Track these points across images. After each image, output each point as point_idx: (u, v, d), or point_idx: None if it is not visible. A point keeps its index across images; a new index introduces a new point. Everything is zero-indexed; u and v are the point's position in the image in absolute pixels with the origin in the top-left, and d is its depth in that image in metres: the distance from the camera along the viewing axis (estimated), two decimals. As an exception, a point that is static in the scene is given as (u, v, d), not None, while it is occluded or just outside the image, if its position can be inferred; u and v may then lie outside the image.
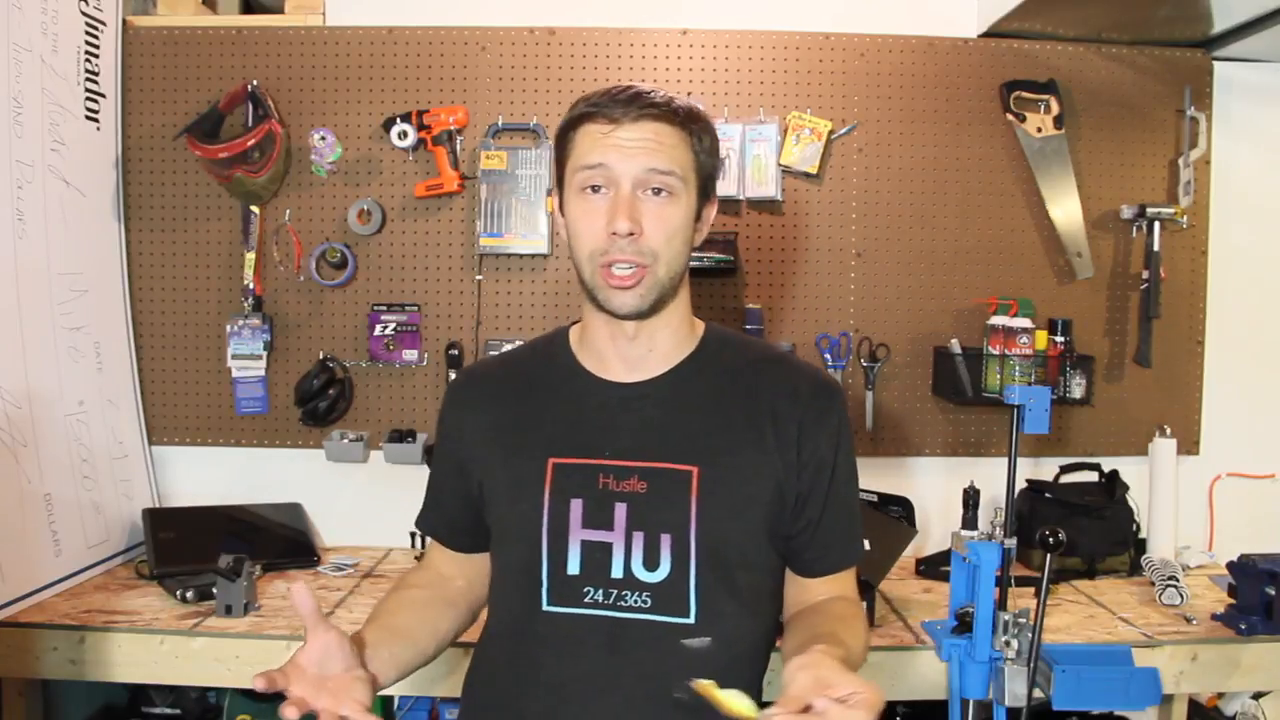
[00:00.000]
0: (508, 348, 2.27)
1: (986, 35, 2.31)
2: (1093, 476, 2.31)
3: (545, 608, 1.11)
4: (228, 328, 2.32)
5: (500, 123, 2.30)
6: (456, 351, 2.31)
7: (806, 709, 0.87)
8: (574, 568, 1.10)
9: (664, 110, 1.09)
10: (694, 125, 1.12)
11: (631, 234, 1.06)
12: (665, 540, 1.10)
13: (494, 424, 1.20)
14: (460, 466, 1.23)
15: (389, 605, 1.22)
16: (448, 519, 1.29)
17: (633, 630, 1.09)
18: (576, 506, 1.11)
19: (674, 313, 1.17)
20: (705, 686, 0.95)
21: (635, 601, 1.09)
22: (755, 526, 1.14)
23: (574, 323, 1.26)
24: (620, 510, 1.11)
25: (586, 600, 1.10)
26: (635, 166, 1.07)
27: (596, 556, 1.10)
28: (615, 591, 1.09)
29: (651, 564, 1.10)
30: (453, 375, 2.30)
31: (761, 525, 1.14)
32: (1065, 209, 2.31)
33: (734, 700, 0.94)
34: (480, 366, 1.35)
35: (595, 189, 1.09)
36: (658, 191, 1.09)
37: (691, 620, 1.09)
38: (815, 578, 1.20)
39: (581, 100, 1.13)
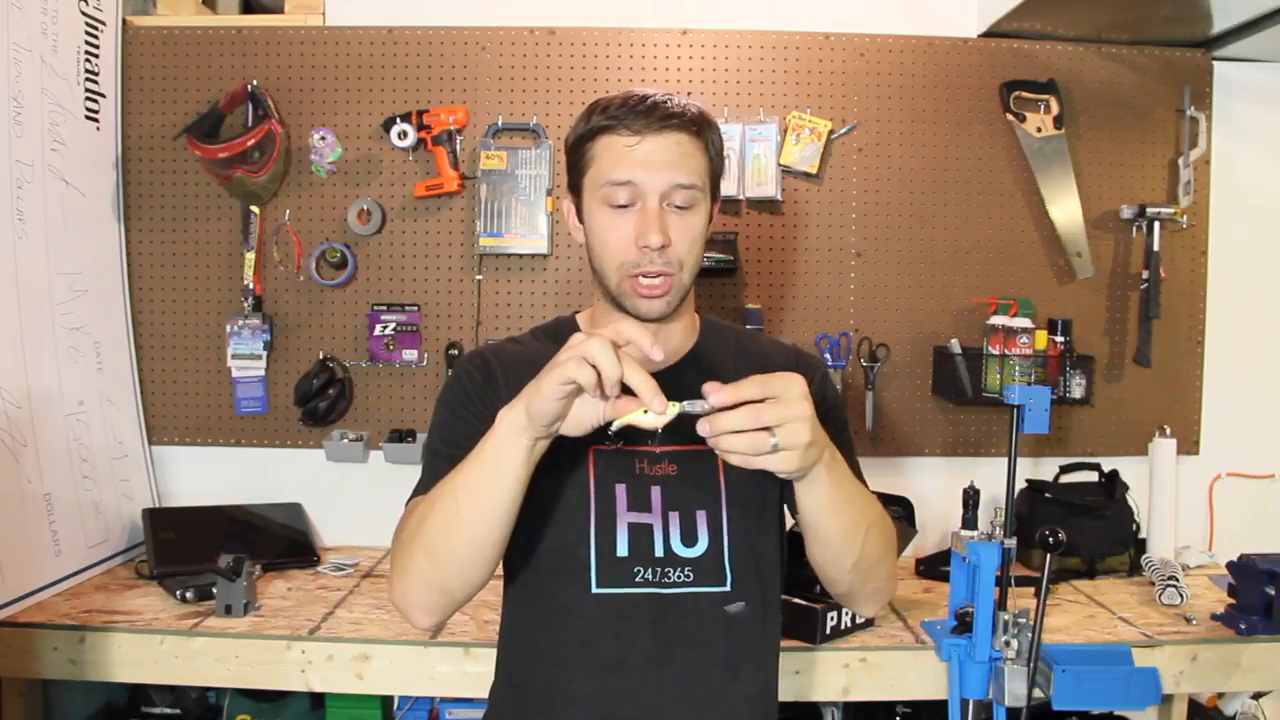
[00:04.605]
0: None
1: (986, 35, 2.31)
2: (1093, 476, 2.30)
3: (594, 590, 1.14)
4: (228, 328, 2.32)
5: (500, 122, 2.30)
6: (456, 351, 2.31)
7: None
8: (623, 549, 1.15)
9: (683, 120, 1.13)
10: (707, 130, 1.16)
11: (662, 246, 1.11)
12: (701, 517, 1.17)
13: None
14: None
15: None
16: None
17: (678, 603, 1.15)
18: (621, 491, 1.17)
19: (685, 310, 1.23)
20: (626, 419, 0.96)
21: (679, 576, 1.16)
22: (770, 494, 1.22)
23: (574, 313, 1.30)
24: (655, 492, 1.17)
25: (637, 579, 1.15)
26: (662, 182, 1.12)
27: (641, 537, 1.16)
28: (660, 569, 1.15)
29: (690, 540, 1.17)
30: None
31: (774, 493, 1.22)
32: (1065, 209, 2.31)
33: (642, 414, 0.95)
34: (493, 348, 1.31)
35: (621, 205, 1.13)
36: (680, 204, 1.13)
37: (729, 588, 1.17)
38: None
39: (598, 110, 1.15)
